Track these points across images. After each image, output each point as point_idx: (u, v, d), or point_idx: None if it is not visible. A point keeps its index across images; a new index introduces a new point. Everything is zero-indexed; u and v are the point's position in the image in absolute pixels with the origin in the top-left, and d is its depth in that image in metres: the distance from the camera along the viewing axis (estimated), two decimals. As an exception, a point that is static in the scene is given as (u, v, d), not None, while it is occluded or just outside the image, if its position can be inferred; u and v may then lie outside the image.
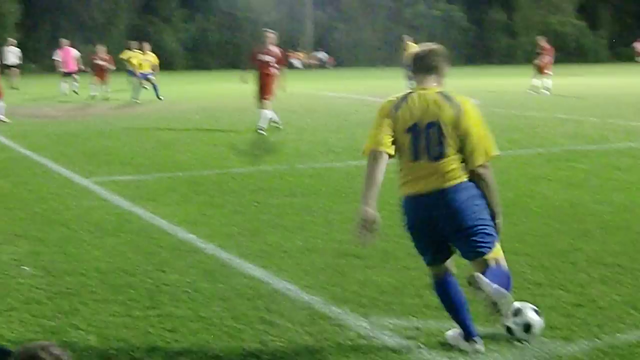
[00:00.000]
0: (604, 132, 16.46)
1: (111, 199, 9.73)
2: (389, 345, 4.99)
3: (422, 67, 4.92)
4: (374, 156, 4.74)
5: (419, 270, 6.40)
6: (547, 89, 29.08)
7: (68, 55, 31.09)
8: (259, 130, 16.46)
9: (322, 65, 64.54)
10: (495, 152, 4.85)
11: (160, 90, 27.35)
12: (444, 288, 4.96)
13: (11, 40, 36.23)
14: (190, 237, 7.72)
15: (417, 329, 5.24)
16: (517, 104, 23.53)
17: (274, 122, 17.20)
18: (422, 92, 4.83)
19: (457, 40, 67.69)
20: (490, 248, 4.74)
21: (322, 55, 66.46)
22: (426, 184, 4.74)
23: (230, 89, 34.67)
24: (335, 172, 11.77)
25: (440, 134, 4.70)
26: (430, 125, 4.72)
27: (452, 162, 4.72)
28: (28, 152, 14.16)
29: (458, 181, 4.72)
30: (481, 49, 69.95)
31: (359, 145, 14.24)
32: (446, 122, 4.71)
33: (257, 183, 10.74)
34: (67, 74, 30.83)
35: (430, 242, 4.87)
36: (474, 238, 4.71)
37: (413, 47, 32.84)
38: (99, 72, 29.20)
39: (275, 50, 17.02)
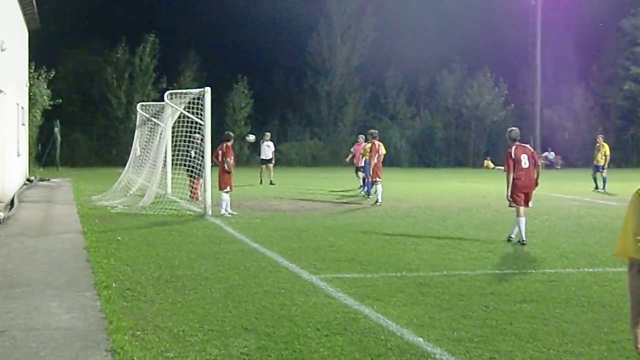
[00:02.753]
0: None
1: (338, 296, 9.78)
2: None
3: None
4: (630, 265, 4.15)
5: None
6: None
7: (359, 150, 31.73)
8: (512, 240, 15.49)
9: (550, 165, 63.22)
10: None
11: (386, 187, 27.57)
12: None
13: (268, 134, 36.82)
14: (418, 340, 7.59)
15: None
16: None
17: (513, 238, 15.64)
18: None
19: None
20: None
21: (550, 154, 65.16)
22: None
23: (456, 187, 34.65)
24: (568, 279, 11.26)
25: None
26: None
27: None
28: (256, 245, 14.60)
29: None
30: None
31: (592, 251, 13.77)
32: None
33: (486, 287, 10.48)
34: (358, 169, 31.76)
35: None
36: None
37: (604, 147, 31.68)
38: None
39: (528, 148, 15.83)
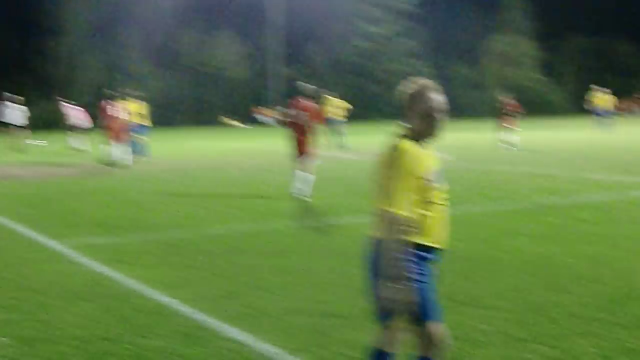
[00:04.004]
0: (572, 186, 16.65)
1: (85, 262, 9.59)
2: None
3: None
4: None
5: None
6: (513, 145, 29.52)
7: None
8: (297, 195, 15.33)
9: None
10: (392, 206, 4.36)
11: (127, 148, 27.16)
12: None
13: (9, 96, 33.92)
14: (169, 300, 7.63)
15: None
16: (488, 159, 23.77)
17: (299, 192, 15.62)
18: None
19: (424, 95, 68.58)
20: None
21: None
22: None
23: (199, 146, 34.81)
24: (312, 231, 11.74)
25: None
26: None
27: None
28: (-6, 216, 13.93)
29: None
30: (449, 103, 70.84)
31: (334, 202, 14.43)
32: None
33: (234, 243, 10.68)
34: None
35: None
36: None
37: (335, 101, 33.23)
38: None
39: (309, 104, 15.88)
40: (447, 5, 71.34)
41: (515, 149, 28.91)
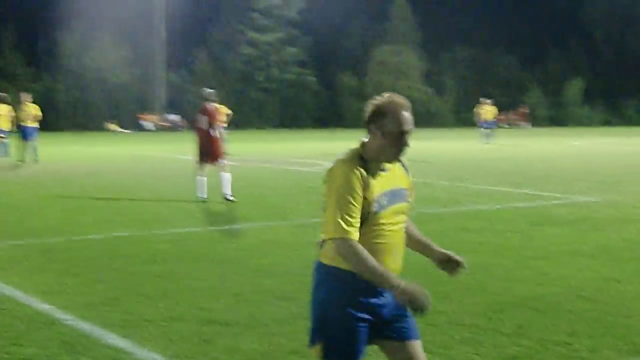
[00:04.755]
0: (453, 195, 16.96)
1: (-43, 268, 9.23)
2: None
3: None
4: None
5: (285, 337, 6.39)
6: None
7: None
8: (228, 197, 15.42)
9: (174, 127, 64.17)
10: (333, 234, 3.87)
11: (4, 152, 26.39)
12: None
13: None
14: (47, 307, 7.38)
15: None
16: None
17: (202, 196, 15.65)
18: None
19: (309, 103, 69.33)
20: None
21: (174, 117, 66.13)
22: None
23: (79, 151, 34.03)
24: (195, 237, 11.61)
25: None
26: None
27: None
28: None
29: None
30: (332, 112, 71.56)
31: (216, 209, 14.30)
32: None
33: (114, 250, 10.44)
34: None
35: None
36: None
37: (223, 109, 33.26)
38: None
39: (211, 108, 15.92)
40: (333, 14, 72.09)
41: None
